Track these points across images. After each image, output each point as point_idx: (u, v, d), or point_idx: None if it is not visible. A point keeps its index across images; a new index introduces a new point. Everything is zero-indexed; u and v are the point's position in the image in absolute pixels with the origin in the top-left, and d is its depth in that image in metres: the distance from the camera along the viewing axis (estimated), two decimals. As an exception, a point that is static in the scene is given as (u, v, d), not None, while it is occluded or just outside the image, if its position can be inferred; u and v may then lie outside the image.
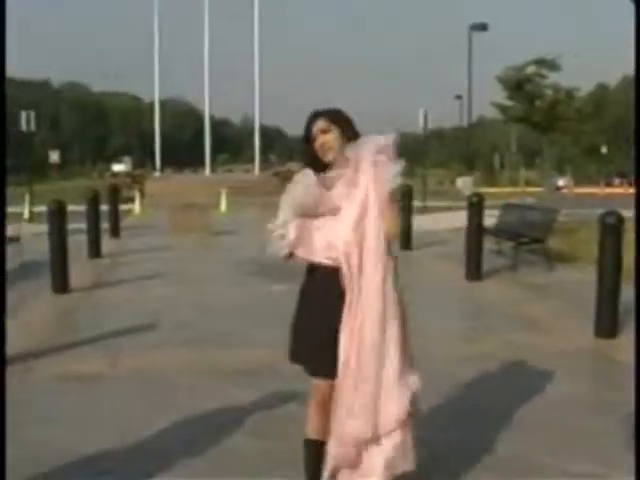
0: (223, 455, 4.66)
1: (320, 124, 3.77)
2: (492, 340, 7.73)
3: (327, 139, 3.74)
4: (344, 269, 3.58)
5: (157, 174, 48.40)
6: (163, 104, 59.68)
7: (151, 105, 59.98)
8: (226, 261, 13.73)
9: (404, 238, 15.45)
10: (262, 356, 6.93)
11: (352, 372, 3.58)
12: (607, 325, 7.73)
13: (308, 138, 3.80)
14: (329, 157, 3.73)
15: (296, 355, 3.88)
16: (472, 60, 45.64)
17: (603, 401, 5.82)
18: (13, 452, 4.11)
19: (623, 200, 27.83)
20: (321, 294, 3.73)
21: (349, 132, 3.78)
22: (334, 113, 3.85)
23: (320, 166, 3.76)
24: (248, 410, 5.46)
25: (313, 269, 3.77)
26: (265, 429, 5.09)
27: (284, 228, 3.78)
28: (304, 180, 3.75)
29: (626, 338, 7.59)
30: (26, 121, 25.57)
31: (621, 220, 7.69)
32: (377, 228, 3.60)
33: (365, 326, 3.56)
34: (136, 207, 28.44)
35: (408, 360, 3.72)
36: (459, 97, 62.44)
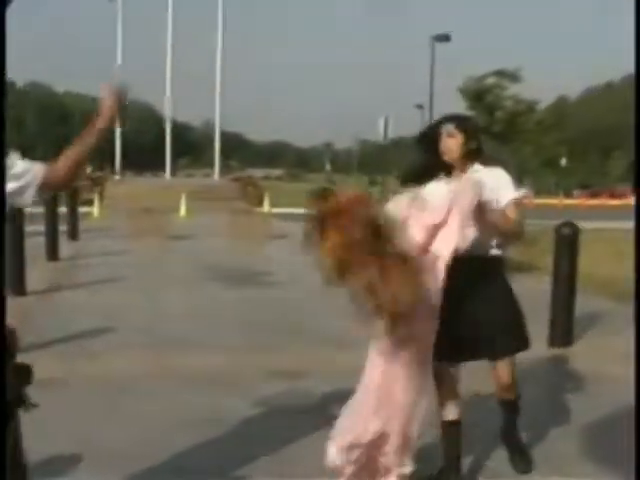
0: (179, 458, 4.65)
1: (448, 128, 4.01)
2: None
3: (450, 144, 4.00)
4: None
5: (117, 177, 48.05)
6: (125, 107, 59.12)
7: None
8: (185, 265, 13.68)
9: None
10: (219, 361, 6.93)
11: None
12: (561, 334, 7.82)
13: (431, 137, 4.06)
14: (448, 157, 4.01)
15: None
16: (434, 70, 45.98)
17: (557, 409, 5.87)
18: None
19: (582, 212, 28.13)
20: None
21: (473, 143, 4.04)
22: (463, 120, 4.15)
23: (437, 167, 4.04)
24: (204, 414, 5.45)
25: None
26: (220, 432, 5.09)
27: None
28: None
29: (581, 347, 7.69)
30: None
31: (576, 231, 7.79)
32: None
33: None
34: (95, 210, 28.17)
35: None
36: (420, 106, 62.76)
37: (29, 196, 2.99)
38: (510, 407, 4.46)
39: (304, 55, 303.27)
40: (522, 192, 4.21)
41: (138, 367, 6.79)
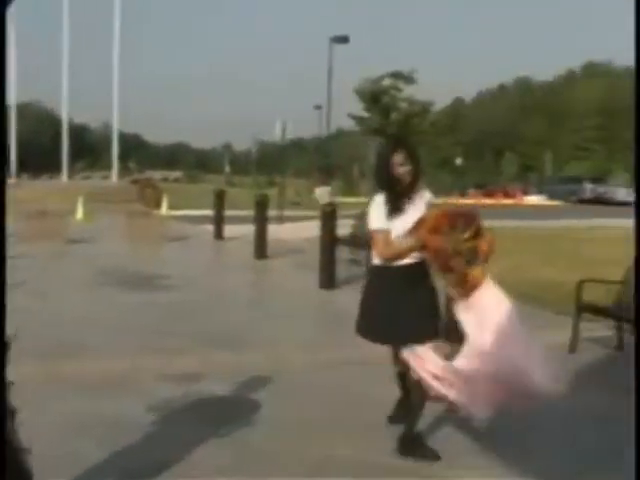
0: (79, 465, 4.61)
1: (403, 155, 4.72)
2: (344, 347, 7.91)
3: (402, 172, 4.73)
4: None
5: (12, 180, 46.94)
6: (20, 108, 58.03)
7: (6, 109, 58.13)
8: (81, 269, 13.51)
9: (259, 247, 15.66)
10: (115, 366, 6.92)
11: None
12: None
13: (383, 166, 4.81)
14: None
15: None
16: (332, 72, 46.42)
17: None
18: None
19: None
20: None
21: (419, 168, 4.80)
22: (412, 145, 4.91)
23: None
24: (102, 420, 5.44)
25: None
26: (120, 437, 5.09)
27: None
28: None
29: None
30: None
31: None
32: None
33: None
34: (-12, 214, 27.41)
35: None
36: (318, 107, 63.18)
37: None
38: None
39: (204, 57, 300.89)
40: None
41: (31, 374, 6.72)
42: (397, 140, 5.21)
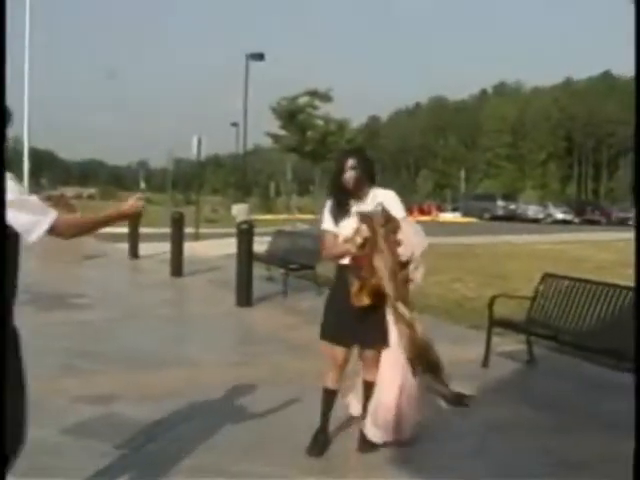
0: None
1: (350, 162, 5.02)
2: (263, 365, 7.93)
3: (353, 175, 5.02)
4: None
5: None
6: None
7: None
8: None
9: (175, 264, 15.56)
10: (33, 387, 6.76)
11: None
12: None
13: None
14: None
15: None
16: (248, 89, 46.42)
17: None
18: None
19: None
20: None
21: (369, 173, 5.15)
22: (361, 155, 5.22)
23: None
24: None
25: None
26: (29, 463, 4.95)
27: None
28: None
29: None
30: None
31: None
32: None
33: None
34: None
35: None
36: (235, 124, 63.07)
37: (37, 235, 3.11)
38: (371, 387, 5.24)
39: (120, 72, 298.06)
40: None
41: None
42: (347, 150, 6.27)
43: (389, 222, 4.72)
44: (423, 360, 4.79)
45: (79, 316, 10.62)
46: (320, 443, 5.24)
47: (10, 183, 3.02)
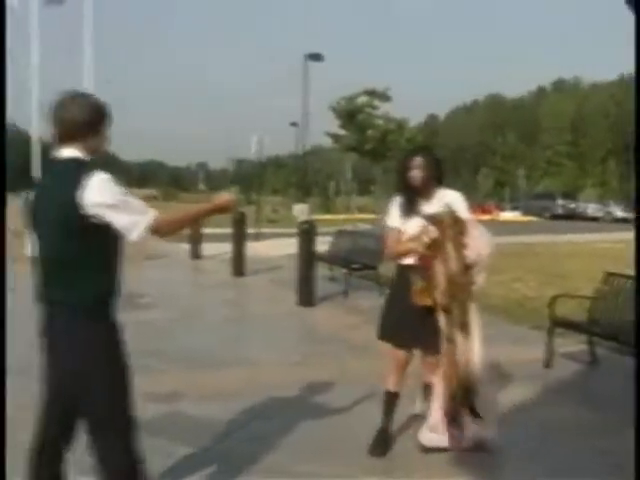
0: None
1: (417, 161, 5.10)
2: (325, 365, 7.96)
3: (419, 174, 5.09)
4: None
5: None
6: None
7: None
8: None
9: (237, 264, 15.70)
10: None
11: None
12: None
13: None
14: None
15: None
16: (307, 89, 46.53)
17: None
18: None
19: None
20: None
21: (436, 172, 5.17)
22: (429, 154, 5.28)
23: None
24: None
25: None
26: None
27: None
28: None
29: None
30: None
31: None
32: None
33: None
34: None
35: None
36: (294, 124, 63.13)
37: (137, 234, 3.27)
38: (431, 390, 5.28)
39: (178, 74, 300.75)
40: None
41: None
42: (414, 148, 6.38)
43: (457, 224, 4.77)
44: (461, 383, 4.87)
45: (141, 316, 10.67)
46: (382, 443, 5.29)
47: (110, 185, 3.20)
